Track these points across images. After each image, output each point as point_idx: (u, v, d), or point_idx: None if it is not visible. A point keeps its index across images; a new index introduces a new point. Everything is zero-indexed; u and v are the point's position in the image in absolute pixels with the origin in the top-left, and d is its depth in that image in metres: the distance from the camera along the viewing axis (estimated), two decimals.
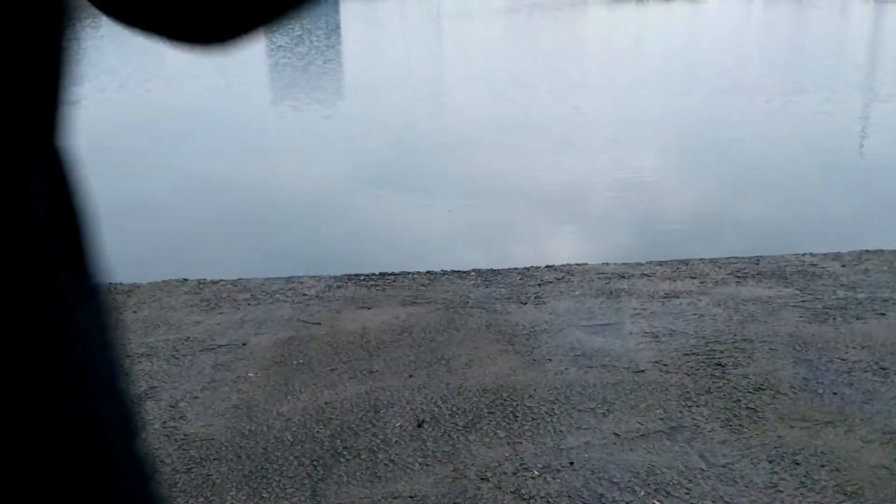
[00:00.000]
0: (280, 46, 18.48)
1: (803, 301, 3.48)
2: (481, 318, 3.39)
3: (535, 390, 2.76)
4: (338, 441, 2.50)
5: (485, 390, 2.78)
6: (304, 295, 3.73)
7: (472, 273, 3.97)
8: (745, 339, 3.12)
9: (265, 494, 2.26)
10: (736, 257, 4.06)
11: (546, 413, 2.63)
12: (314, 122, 9.46)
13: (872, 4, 27.27)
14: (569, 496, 2.21)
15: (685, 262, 3.97)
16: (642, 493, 2.21)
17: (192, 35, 0.52)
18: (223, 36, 0.53)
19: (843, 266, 3.90)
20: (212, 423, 2.64)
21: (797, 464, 2.33)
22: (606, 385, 2.79)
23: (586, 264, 4.06)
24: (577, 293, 3.65)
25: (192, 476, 2.36)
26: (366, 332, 3.29)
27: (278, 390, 2.83)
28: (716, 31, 20.45)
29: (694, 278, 3.80)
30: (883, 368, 2.86)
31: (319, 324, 3.39)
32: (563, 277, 3.86)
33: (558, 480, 2.28)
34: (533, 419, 2.59)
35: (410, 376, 2.90)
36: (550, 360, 3.00)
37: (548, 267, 4.03)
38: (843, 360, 2.94)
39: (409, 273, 4.00)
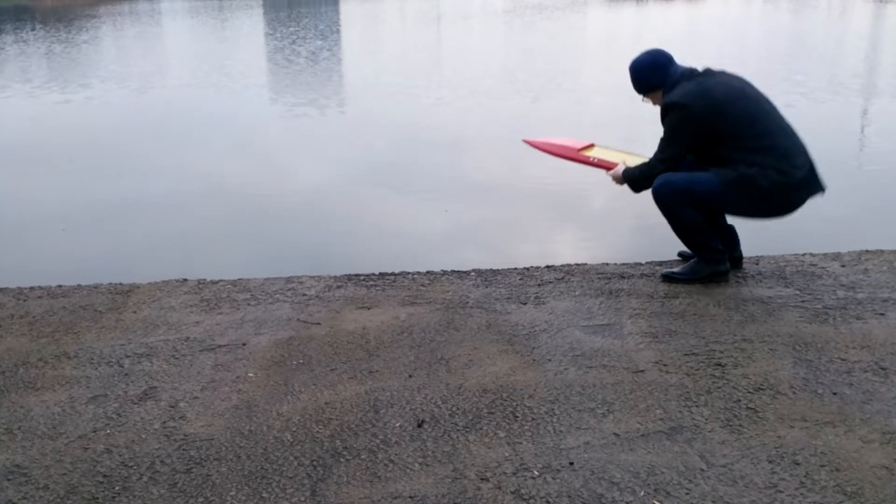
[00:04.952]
0: (278, 48, 18.48)
1: (803, 301, 3.48)
2: (481, 318, 3.39)
3: (534, 390, 2.76)
4: (338, 441, 2.50)
5: (485, 390, 2.78)
6: (304, 295, 3.73)
7: (472, 273, 3.97)
8: (745, 339, 3.12)
9: (265, 494, 2.26)
10: None
11: (546, 413, 2.63)
12: (313, 122, 9.46)
13: (872, 5, 27.26)
14: (569, 496, 2.21)
15: (685, 262, 3.96)
16: (642, 494, 2.21)
17: None
18: None
19: (843, 266, 3.90)
20: (212, 423, 2.64)
21: (797, 464, 2.33)
22: (606, 385, 2.79)
23: (586, 264, 4.06)
24: (576, 293, 3.65)
25: (192, 476, 2.36)
26: (366, 332, 3.29)
27: (278, 390, 2.83)
28: (718, 31, 20.46)
29: None
30: (883, 368, 2.86)
31: (319, 324, 3.39)
32: (563, 277, 3.86)
33: (558, 480, 2.28)
34: (533, 419, 2.59)
35: (410, 376, 2.90)
36: (550, 360, 3.00)
37: (548, 267, 4.03)
38: (843, 360, 2.94)
39: (409, 273, 4.00)
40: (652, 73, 3.67)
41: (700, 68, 3.66)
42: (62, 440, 2.56)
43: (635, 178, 3.70)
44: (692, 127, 3.50)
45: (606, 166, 3.89)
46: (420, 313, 3.46)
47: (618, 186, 3.83)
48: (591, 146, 4.16)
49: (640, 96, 3.78)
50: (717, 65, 3.74)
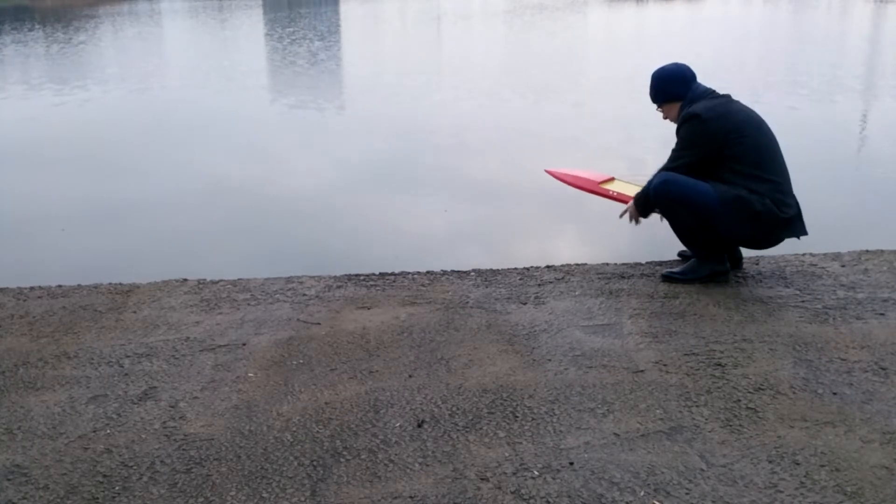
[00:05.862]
0: (278, 48, 18.48)
1: (803, 301, 3.48)
2: (481, 318, 3.39)
3: (535, 390, 2.76)
4: (338, 441, 2.50)
5: (485, 390, 2.78)
6: (304, 295, 3.73)
7: (472, 273, 3.97)
8: (745, 339, 3.12)
9: (265, 494, 2.26)
10: None
11: (546, 413, 2.63)
12: (313, 122, 9.45)
13: (872, 5, 27.25)
14: (569, 496, 2.21)
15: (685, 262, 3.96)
16: (642, 494, 2.21)
17: None
18: None
19: (843, 266, 3.90)
20: (212, 423, 2.64)
21: (797, 464, 2.33)
22: (606, 385, 2.79)
23: (586, 264, 4.06)
24: (576, 293, 3.65)
25: (192, 476, 2.36)
26: (366, 332, 3.29)
27: (278, 390, 2.83)
28: (719, 31, 20.46)
29: None
30: (883, 368, 2.86)
31: (319, 324, 3.39)
32: (562, 277, 3.86)
33: (558, 480, 2.28)
34: (533, 419, 2.59)
35: (410, 376, 2.90)
36: (550, 360, 3.00)
37: (548, 267, 4.03)
38: (843, 360, 2.94)
39: (409, 273, 4.00)
40: (674, 85, 3.71)
41: (720, 91, 3.69)
42: (62, 440, 2.56)
43: (644, 195, 3.71)
44: (706, 141, 3.53)
45: (625, 200, 3.94)
46: (420, 313, 3.46)
47: (635, 224, 3.83)
48: (611, 179, 4.29)
49: (655, 106, 3.81)
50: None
